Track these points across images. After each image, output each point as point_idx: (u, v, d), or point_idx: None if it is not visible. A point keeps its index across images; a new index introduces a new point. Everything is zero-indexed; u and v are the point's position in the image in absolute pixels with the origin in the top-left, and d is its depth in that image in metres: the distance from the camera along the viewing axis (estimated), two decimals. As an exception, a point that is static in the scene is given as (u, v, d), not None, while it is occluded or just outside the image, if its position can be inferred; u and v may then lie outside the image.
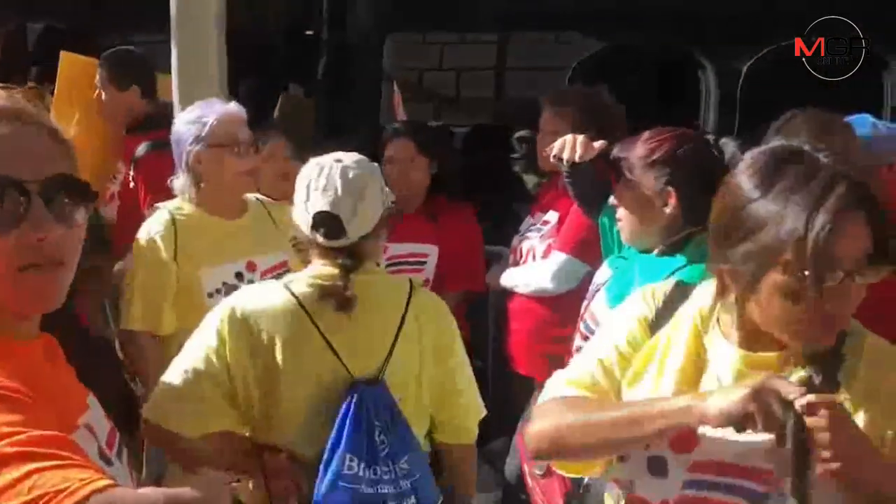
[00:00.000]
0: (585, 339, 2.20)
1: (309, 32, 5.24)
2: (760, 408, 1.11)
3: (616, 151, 2.17)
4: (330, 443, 1.76)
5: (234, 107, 2.66)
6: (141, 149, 3.14)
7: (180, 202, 2.58)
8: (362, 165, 1.87)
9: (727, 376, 1.26)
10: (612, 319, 1.51)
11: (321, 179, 1.83)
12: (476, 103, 5.28)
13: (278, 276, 2.25)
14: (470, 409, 2.01)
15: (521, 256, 2.97)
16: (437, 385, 1.90)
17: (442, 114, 5.48)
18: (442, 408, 1.92)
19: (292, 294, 1.81)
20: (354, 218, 1.82)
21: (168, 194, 2.61)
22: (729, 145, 2.04)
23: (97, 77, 3.30)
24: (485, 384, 3.39)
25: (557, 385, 1.39)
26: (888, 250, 1.17)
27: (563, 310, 2.77)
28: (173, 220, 2.51)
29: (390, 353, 1.83)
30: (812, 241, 1.14)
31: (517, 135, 4.13)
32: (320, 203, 1.82)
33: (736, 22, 4.63)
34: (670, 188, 2.02)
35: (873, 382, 1.21)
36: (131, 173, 3.16)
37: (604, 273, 2.33)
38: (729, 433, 1.19)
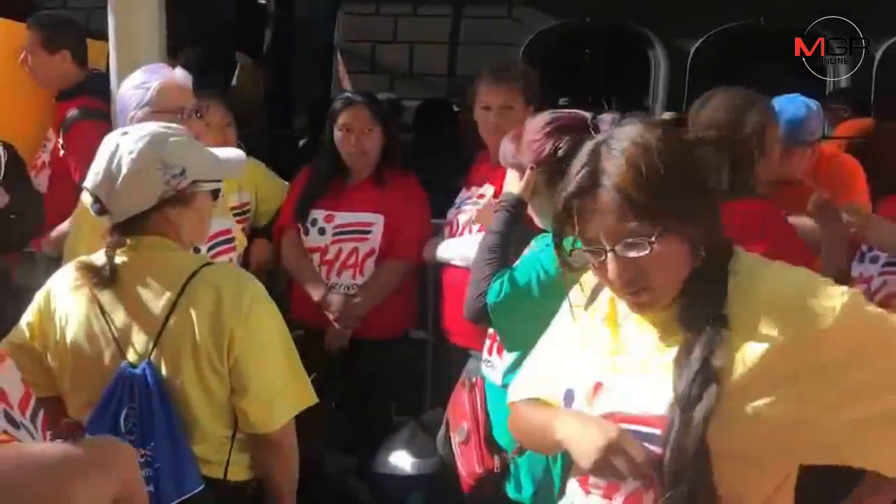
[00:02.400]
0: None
1: (262, 1, 5.18)
2: (609, 467, 1.20)
3: (506, 155, 2.16)
4: (86, 426, 1.76)
5: (179, 73, 2.63)
6: (71, 115, 3.04)
7: None
8: (136, 144, 1.77)
9: (632, 334, 1.33)
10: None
11: (98, 156, 1.79)
12: (429, 78, 5.27)
13: (222, 244, 2.24)
14: (271, 399, 1.78)
15: (457, 229, 2.99)
16: (232, 370, 1.75)
17: (395, 87, 5.47)
18: (234, 394, 1.76)
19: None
20: (114, 199, 1.76)
21: None
22: (605, 121, 2.04)
23: (27, 41, 3.23)
24: (425, 356, 3.45)
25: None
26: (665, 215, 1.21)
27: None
28: None
29: (160, 334, 1.73)
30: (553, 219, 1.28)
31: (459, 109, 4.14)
32: (89, 180, 1.79)
33: (686, 2, 4.67)
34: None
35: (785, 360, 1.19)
36: (60, 141, 3.12)
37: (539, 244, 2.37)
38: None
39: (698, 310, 1.22)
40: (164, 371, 1.75)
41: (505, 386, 2.16)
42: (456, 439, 2.19)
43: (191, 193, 1.81)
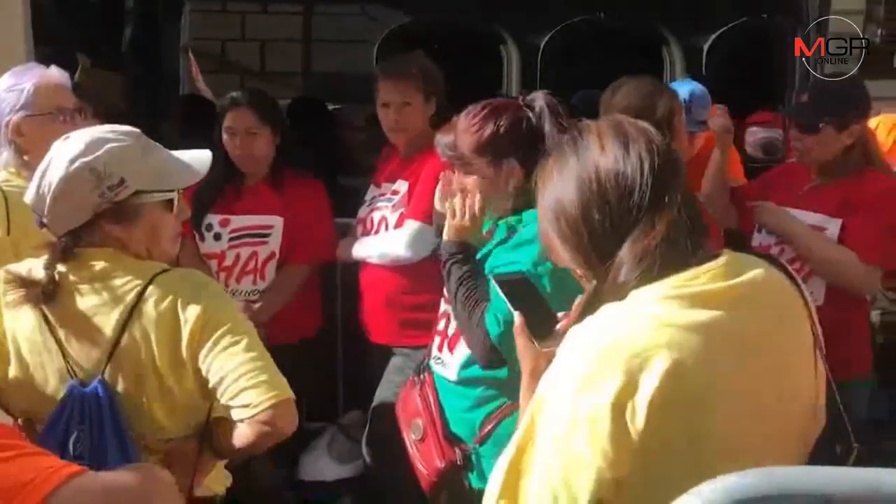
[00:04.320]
0: (447, 301, 2.23)
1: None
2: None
3: (445, 150, 2.17)
4: None
5: (54, 71, 2.47)
6: None
7: (6, 174, 2.36)
8: (68, 152, 1.67)
9: None
10: None
11: (39, 168, 1.71)
12: (282, 76, 5.16)
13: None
14: (256, 380, 1.64)
15: (371, 226, 2.98)
16: (202, 370, 1.66)
17: (246, 86, 5.32)
18: (214, 392, 1.66)
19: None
20: (49, 212, 1.68)
21: None
22: (537, 99, 2.11)
23: None
24: (335, 358, 3.40)
25: None
26: None
27: (417, 277, 2.82)
28: (3, 193, 2.29)
29: (113, 349, 1.64)
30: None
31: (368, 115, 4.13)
32: (28, 192, 1.72)
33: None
34: (513, 161, 2.07)
35: None
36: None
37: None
38: None
39: None
40: (120, 388, 1.65)
41: (460, 381, 2.19)
42: (411, 438, 2.19)
43: (134, 206, 1.69)
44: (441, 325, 2.24)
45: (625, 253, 1.23)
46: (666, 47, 5.16)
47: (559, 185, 1.30)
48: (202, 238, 3.03)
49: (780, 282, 1.27)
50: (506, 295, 1.48)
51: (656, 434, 1.13)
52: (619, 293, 1.22)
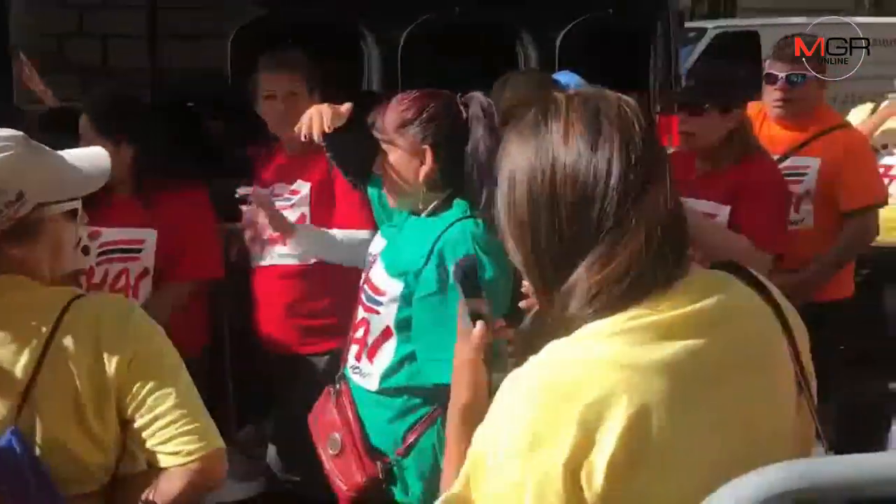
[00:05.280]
0: (369, 310, 2.18)
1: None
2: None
3: (371, 116, 2.22)
4: None
5: None
6: None
7: None
8: None
9: None
10: None
11: None
12: (128, 73, 4.83)
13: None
14: (193, 422, 1.53)
15: (266, 228, 2.84)
16: (130, 406, 1.51)
17: (87, 85, 4.94)
18: (143, 431, 1.50)
19: None
20: None
21: None
22: (474, 100, 2.15)
23: None
24: (223, 371, 3.20)
25: None
26: None
27: (319, 282, 2.73)
28: None
29: (26, 392, 1.45)
30: None
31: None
32: None
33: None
34: (425, 146, 2.11)
35: None
36: None
37: (378, 243, 2.33)
38: None
39: None
40: (39, 436, 1.46)
41: (382, 391, 2.10)
42: (329, 453, 2.08)
43: (37, 220, 1.50)
44: (359, 333, 2.15)
45: (577, 281, 1.05)
46: (519, 41, 5.24)
47: (517, 158, 1.11)
48: (67, 253, 2.78)
49: (749, 297, 1.14)
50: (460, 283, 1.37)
51: (615, 498, 0.98)
52: (567, 327, 1.05)
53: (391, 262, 2.17)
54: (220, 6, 4.89)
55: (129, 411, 1.50)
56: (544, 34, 5.28)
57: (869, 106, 4.85)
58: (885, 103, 4.66)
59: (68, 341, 1.47)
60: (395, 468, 2.07)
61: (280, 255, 2.84)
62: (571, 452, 0.98)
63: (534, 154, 1.09)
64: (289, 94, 2.88)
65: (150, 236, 2.82)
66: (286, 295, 2.82)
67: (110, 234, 2.80)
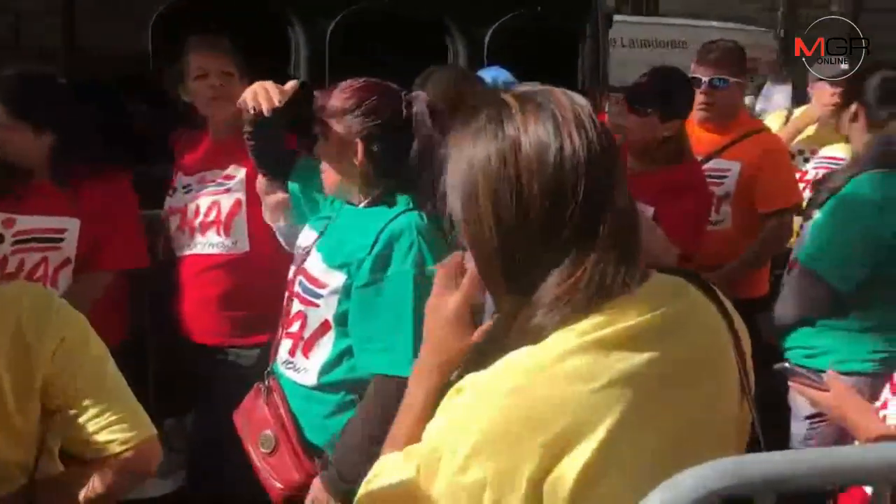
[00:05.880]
0: (306, 302, 2.15)
1: None
2: None
3: (316, 101, 2.21)
4: None
5: None
6: None
7: None
8: None
9: None
10: None
11: None
12: (41, 53, 4.63)
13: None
14: (122, 412, 1.53)
15: (197, 215, 2.77)
16: (58, 394, 1.49)
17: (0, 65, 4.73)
18: (75, 421, 1.49)
19: None
20: None
21: None
22: (418, 99, 2.15)
23: None
24: (144, 363, 3.10)
25: None
26: None
27: (255, 272, 2.69)
28: None
29: None
30: None
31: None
32: None
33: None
34: (357, 139, 2.10)
35: None
36: None
37: (307, 236, 2.29)
38: None
39: None
40: None
41: (320, 386, 2.07)
42: (261, 451, 2.04)
43: None
44: (294, 327, 2.11)
45: (548, 289, 1.02)
46: (448, 36, 5.23)
47: (473, 156, 1.07)
48: (-22, 241, 2.66)
49: (704, 304, 1.17)
50: None
51: None
52: (531, 338, 1.03)
53: (330, 254, 2.14)
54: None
55: (57, 402, 1.45)
56: (472, 30, 5.29)
57: (783, 113, 5.03)
58: (797, 111, 4.84)
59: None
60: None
61: (210, 244, 2.77)
62: (537, 467, 0.99)
63: (494, 153, 1.07)
64: (222, 73, 2.83)
65: (72, 225, 2.71)
66: (214, 286, 2.75)
67: (27, 221, 2.68)
